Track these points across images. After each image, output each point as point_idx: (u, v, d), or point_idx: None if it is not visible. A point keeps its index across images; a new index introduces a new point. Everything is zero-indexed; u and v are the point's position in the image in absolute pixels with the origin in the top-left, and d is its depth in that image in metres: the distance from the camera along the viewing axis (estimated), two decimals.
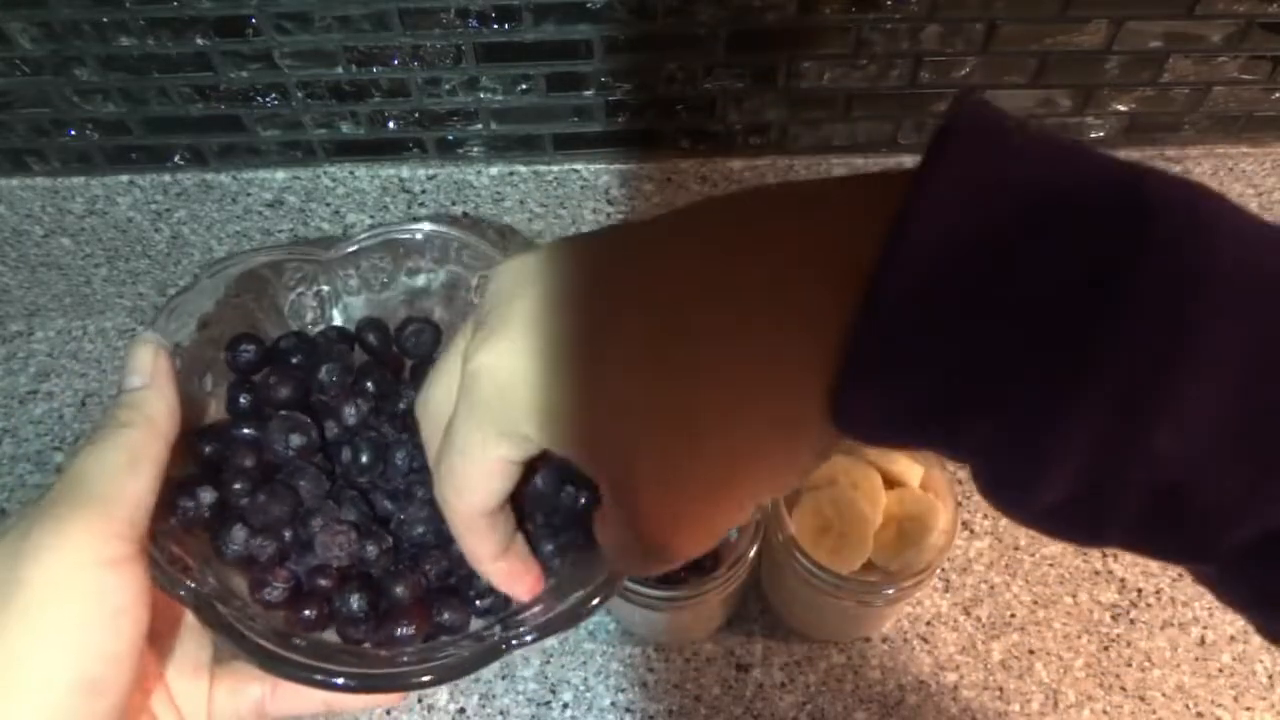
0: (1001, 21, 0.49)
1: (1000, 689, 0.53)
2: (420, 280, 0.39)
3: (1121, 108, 0.54)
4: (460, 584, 0.34)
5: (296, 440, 0.33)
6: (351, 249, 0.37)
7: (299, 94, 0.52)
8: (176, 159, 0.57)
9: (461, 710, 0.53)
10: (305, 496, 0.33)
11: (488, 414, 0.25)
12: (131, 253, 0.63)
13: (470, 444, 0.26)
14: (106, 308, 0.68)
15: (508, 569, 0.30)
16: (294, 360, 0.35)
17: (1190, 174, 0.57)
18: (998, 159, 0.20)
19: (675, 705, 0.53)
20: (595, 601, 0.31)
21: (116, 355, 0.67)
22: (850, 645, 0.55)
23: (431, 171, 0.57)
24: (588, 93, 0.52)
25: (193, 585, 0.29)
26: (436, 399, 0.28)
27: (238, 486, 0.32)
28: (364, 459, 0.34)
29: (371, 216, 0.60)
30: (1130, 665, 0.54)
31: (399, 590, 0.33)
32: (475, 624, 0.34)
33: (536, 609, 0.32)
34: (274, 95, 0.53)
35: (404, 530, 0.33)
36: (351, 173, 0.57)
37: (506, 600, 0.33)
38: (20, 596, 0.25)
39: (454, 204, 0.59)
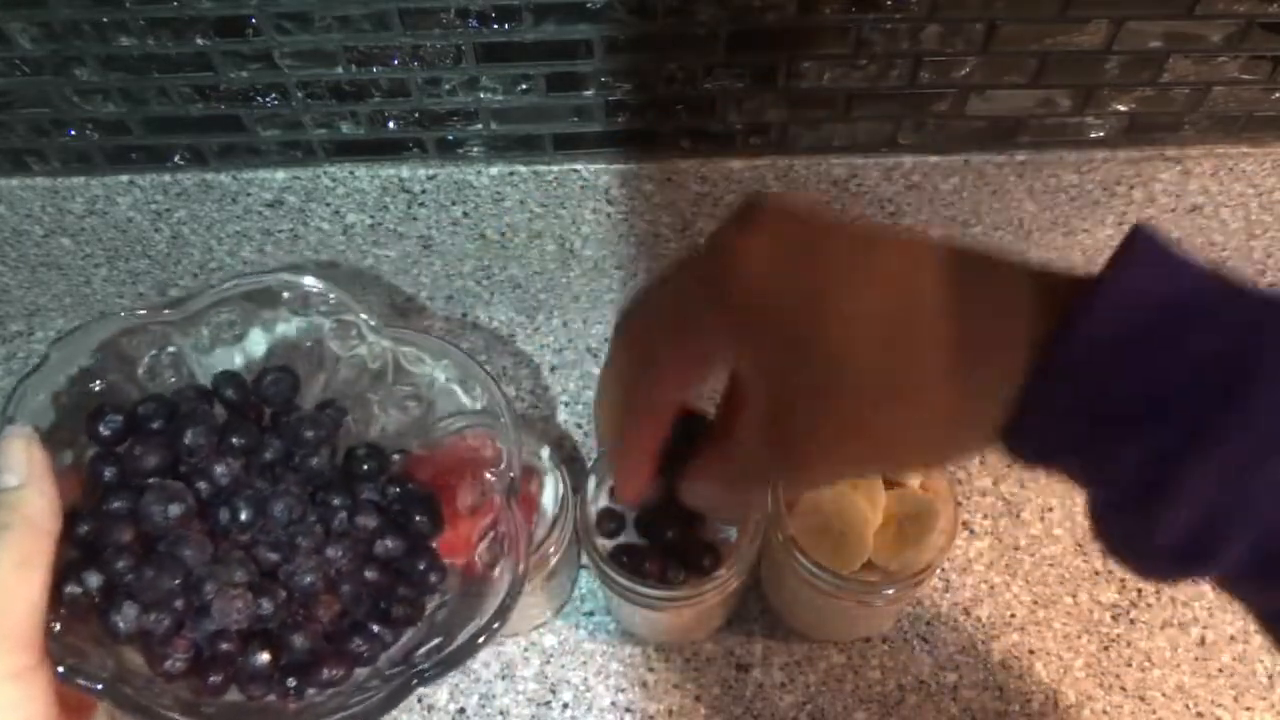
0: (1001, 21, 0.49)
1: (1000, 689, 0.53)
2: (278, 329, 0.39)
3: (1121, 108, 0.54)
4: (353, 626, 0.35)
5: (174, 509, 0.32)
6: (197, 307, 0.37)
7: (299, 94, 0.52)
8: (176, 159, 0.57)
9: (461, 710, 0.53)
10: (191, 564, 0.32)
11: (725, 295, 0.27)
12: (131, 253, 0.63)
13: (689, 315, 0.28)
14: (106, 308, 0.68)
15: (640, 465, 0.31)
16: (155, 426, 0.35)
17: (1190, 174, 0.57)
18: (1159, 274, 0.24)
19: (675, 705, 0.53)
20: (486, 636, 0.32)
21: None
22: (850, 645, 0.55)
23: (431, 171, 0.57)
24: (588, 93, 0.52)
25: (94, 673, 0.29)
26: (654, 311, 0.30)
27: (121, 564, 0.32)
28: (243, 516, 0.33)
29: (371, 216, 0.60)
30: (1130, 665, 0.54)
31: (299, 640, 0.33)
32: (362, 673, 0.34)
33: (430, 645, 0.33)
34: (274, 95, 0.53)
35: (294, 581, 0.34)
36: (351, 173, 0.57)
37: (394, 638, 0.35)
38: None
39: (454, 204, 0.59)
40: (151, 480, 0.33)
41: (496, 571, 0.35)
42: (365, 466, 0.37)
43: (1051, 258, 0.63)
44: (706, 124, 0.54)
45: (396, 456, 0.39)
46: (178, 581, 0.32)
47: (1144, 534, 0.24)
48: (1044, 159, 0.56)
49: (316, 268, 0.64)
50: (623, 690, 0.54)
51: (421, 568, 0.36)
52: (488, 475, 0.38)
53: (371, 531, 0.36)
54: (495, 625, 0.33)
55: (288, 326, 0.39)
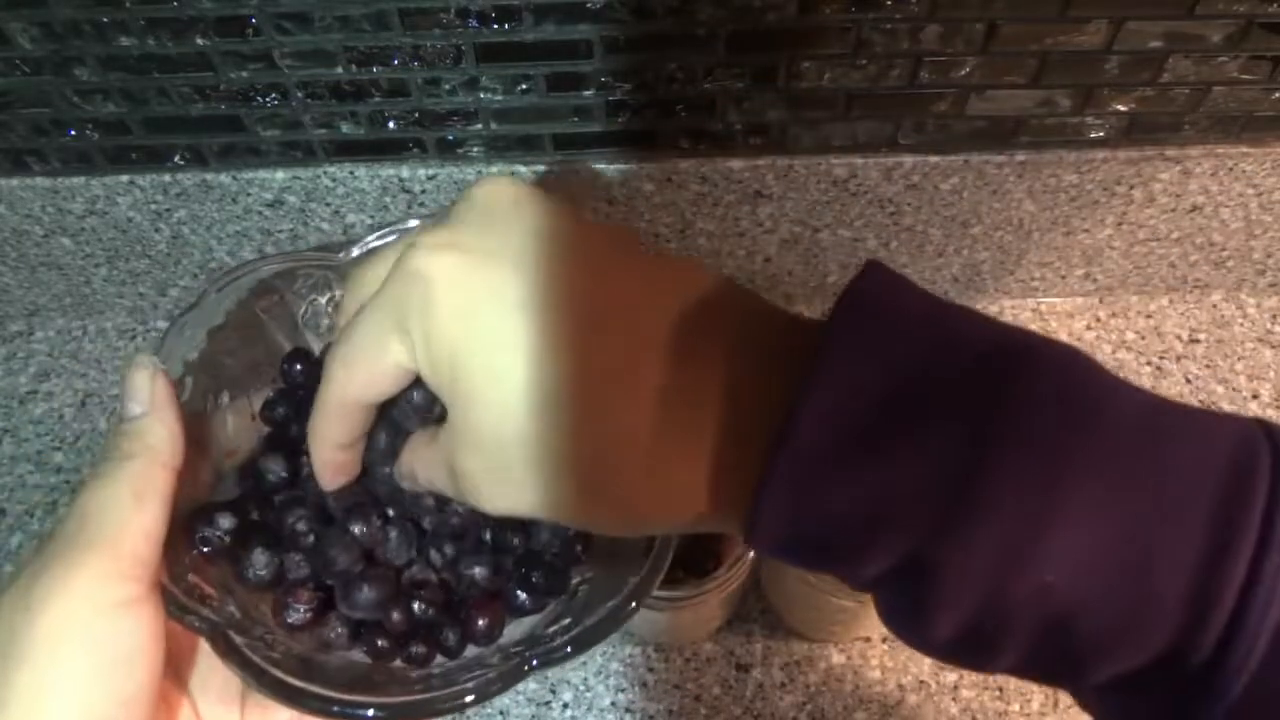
0: (1001, 21, 0.49)
1: (1000, 689, 0.53)
2: None
3: (1121, 108, 0.54)
4: (492, 592, 0.33)
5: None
6: (362, 251, 0.36)
7: (299, 94, 0.52)
8: (176, 159, 0.57)
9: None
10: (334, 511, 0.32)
11: (406, 320, 0.25)
12: (131, 253, 0.63)
13: (374, 339, 0.26)
14: (106, 308, 0.68)
15: (340, 461, 0.30)
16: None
17: (1190, 174, 0.57)
18: (884, 339, 0.23)
19: (675, 705, 0.53)
20: (626, 611, 0.30)
21: (116, 355, 0.67)
22: (850, 645, 0.55)
23: (431, 171, 0.57)
24: (588, 93, 0.52)
25: (209, 616, 0.28)
26: (373, 277, 0.27)
27: (298, 526, 0.31)
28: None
29: (371, 216, 0.60)
30: None
31: (432, 601, 0.32)
32: (488, 650, 0.33)
33: (563, 623, 0.31)
34: (274, 95, 0.53)
35: (439, 535, 0.33)
36: (351, 173, 0.57)
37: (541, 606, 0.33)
38: (29, 648, 0.24)
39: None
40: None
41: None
42: None
43: (1051, 258, 0.63)
44: (706, 124, 0.54)
45: None
46: (310, 532, 0.31)
47: (918, 635, 0.23)
48: (1044, 159, 0.56)
49: None
50: (623, 690, 0.54)
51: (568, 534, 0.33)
52: None
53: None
54: (631, 604, 0.30)
55: None
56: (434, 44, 0.50)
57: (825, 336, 0.22)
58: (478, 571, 0.32)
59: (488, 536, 0.33)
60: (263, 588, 0.31)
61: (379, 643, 0.31)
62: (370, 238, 0.36)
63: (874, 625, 0.54)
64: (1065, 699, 0.53)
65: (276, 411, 0.34)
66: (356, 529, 0.31)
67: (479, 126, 0.54)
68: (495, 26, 0.49)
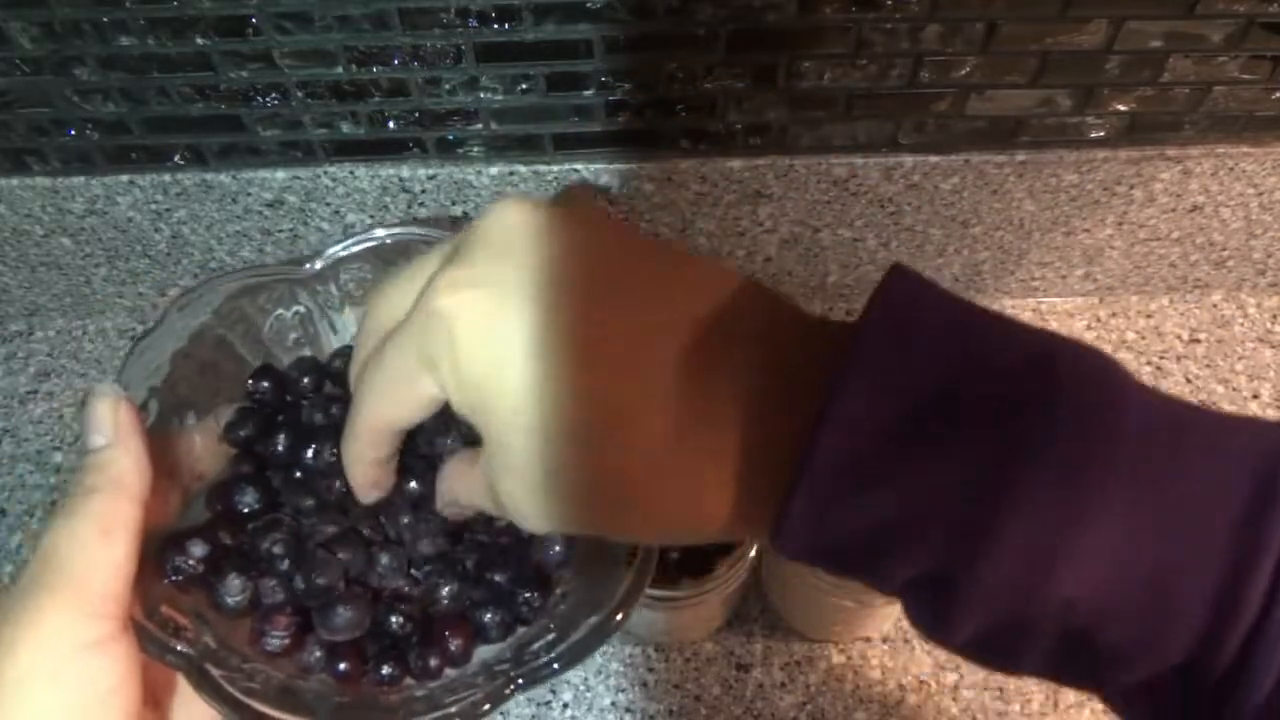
0: (1001, 21, 0.49)
1: (1000, 689, 0.53)
2: None
3: (1121, 108, 0.54)
4: (471, 606, 0.32)
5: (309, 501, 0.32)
6: (326, 263, 0.35)
7: (299, 94, 0.52)
8: (176, 159, 0.57)
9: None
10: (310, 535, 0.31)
11: (434, 357, 0.25)
12: (131, 253, 0.63)
13: (404, 373, 0.26)
14: (106, 308, 0.68)
15: (375, 476, 0.30)
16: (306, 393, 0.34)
17: (1191, 174, 0.57)
18: (909, 352, 0.23)
19: (675, 705, 0.53)
20: (611, 625, 0.29)
21: (116, 355, 0.67)
22: (850, 645, 0.55)
23: (431, 171, 0.57)
24: (588, 93, 0.52)
25: (184, 650, 0.28)
26: (393, 304, 0.27)
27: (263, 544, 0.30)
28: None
29: (371, 216, 0.60)
30: None
31: (409, 616, 0.31)
32: (471, 667, 0.32)
33: (547, 639, 0.31)
34: (274, 95, 0.53)
35: (415, 549, 0.32)
36: (351, 173, 0.57)
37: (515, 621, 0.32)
38: (0, 694, 0.24)
39: (454, 204, 0.59)
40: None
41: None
42: None
43: (1052, 258, 0.63)
44: (706, 124, 0.54)
45: None
46: (286, 557, 0.30)
47: (944, 637, 0.24)
48: (1044, 159, 0.56)
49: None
50: (623, 690, 0.54)
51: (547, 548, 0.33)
52: None
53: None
54: (618, 618, 0.30)
55: None
56: (434, 44, 0.50)
57: (850, 347, 0.23)
58: (448, 591, 0.32)
59: (467, 560, 0.33)
60: (238, 615, 0.31)
61: (342, 666, 0.31)
62: (334, 249, 0.36)
63: (874, 625, 0.54)
64: (1065, 699, 0.53)
65: (240, 432, 0.33)
66: (342, 554, 0.31)
67: (479, 126, 0.54)
68: (495, 26, 0.49)
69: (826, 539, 0.23)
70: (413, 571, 0.33)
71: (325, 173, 0.57)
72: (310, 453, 0.32)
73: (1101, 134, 0.55)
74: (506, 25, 0.49)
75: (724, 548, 0.48)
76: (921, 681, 0.53)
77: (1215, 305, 0.67)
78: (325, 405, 0.33)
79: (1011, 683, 0.53)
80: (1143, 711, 0.24)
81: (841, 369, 0.22)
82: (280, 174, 0.57)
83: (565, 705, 0.53)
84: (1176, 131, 0.55)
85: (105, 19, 0.48)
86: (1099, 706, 0.52)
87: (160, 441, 0.30)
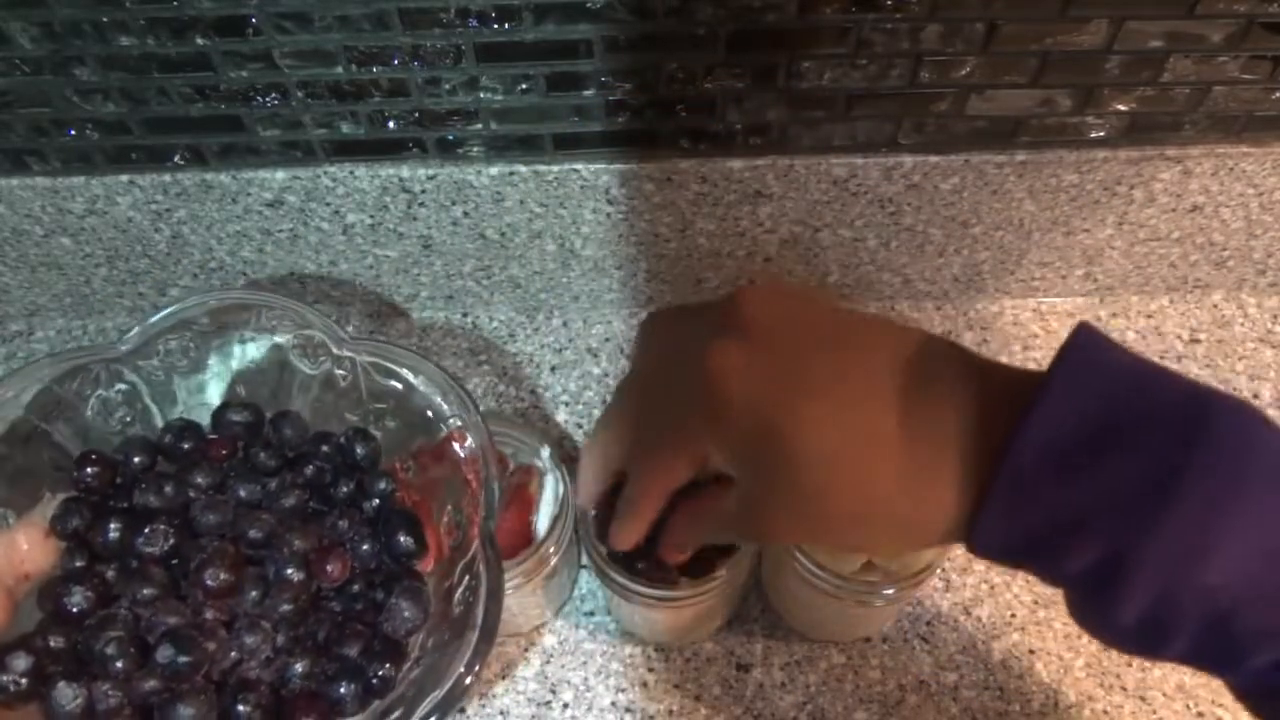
0: (1001, 21, 0.49)
1: (1000, 689, 0.53)
2: (239, 352, 0.37)
3: (1122, 108, 0.54)
4: (323, 681, 0.32)
5: (148, 591, 0.31)
6: (141, 339, 0.34)
7: (299, 94, 0.52)
8: (176, 159, 0.57)
9: (461, 710, 0.53)
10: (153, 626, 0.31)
11: (708, 419, 0.32)
12: (131, 253, 0.63)
13: (686, 438, 0.33)
14: (106, 308, 0.68)
15: (642, 535, 0.38)
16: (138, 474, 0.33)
17: (1191, 174, 0.57)
18: (1092, 387, 0.27)
19: (675, 705, 0.53)
20: (461, 688, 0.31)
21: None
22: (850, 645, 0.55)
23: (431, 171, 0.57)
24: (588, 93, 0.52)
25: None
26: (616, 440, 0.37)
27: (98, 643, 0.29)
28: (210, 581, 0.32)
29: (371, 216, 0.60)
30: (1131, 665, 0.54)
31: (256, 699, 0.31)
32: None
33: (396, 714, 0.31)
34: (274, 95, 0.53)
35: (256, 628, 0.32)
36: (351, 173, 0.57)
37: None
38: None
39: (454, 204, 0.59)
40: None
41: (470, 614, 0.33)
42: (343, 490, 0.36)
43: (1052, 258, 0.63)
44: (706, 124, 0.54)
45: (382, 485, 0.38)
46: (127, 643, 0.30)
47: (1104, 623, 0.27)
48: (1044, 159, 0.56)
49: (289, 278, 0.64)
50: (623, 690, 0.54)
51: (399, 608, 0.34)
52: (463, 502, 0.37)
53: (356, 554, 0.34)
54: (467, 682, 0.31)
55: (249, 349, 0.37)
56: (434, 44, 0.50)
57: (1044, 382, 0.27)
58: (301, 668, 0.31)
59: (319, 634, 0.32)
60: None
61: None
62: (151, 320, 0.35)
63: (874, 625, 0.54)
64: (1065, 699, 0.53)
65: (69, 524, 0.32)
66: (182, 658, 0.30)
67: (479, 126, 0.54)
68: (495, 26, 0.49)
69: (1019, 526, 0.27)
70: (266, 654, 0.32)
71: (325, 173, 0.57)
72: (143, 538, 0.31)
73: (1101, 134, 0.55)
74: (506, 25, 0.49)
75: (724, 548, 0.48)
76: (921, 681, 0.53)
77: (1215, 305, 0.67)
78: (158, 485, 0.32)
79: (1011, 683, 0.53)
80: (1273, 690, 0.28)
81: (1036, 399, 0.27)
82: (280, 174, 0.57)
83: (565, 705, 0.53)
84: (1176, 131, 0.55)
85: (105, 19, 0.48)
86: (1099, 707, 0.52)
87: None
